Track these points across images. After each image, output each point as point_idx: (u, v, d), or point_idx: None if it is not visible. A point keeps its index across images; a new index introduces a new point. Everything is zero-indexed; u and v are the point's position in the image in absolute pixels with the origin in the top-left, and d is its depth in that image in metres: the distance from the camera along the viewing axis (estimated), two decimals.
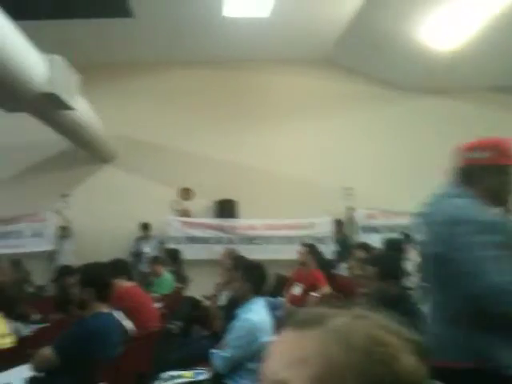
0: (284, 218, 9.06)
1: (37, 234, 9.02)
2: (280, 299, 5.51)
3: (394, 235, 7.02)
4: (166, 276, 6.74)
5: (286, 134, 9.59)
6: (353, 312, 0.70)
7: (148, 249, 8.73)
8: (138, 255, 8.68)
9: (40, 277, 7.98)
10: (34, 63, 4.96)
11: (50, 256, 8.75)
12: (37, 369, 2.98)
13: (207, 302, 5.74)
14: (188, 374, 3.16)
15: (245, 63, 9.51)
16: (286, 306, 5.23)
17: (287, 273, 6.57)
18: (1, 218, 8.84)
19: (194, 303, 6.31)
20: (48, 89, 5.24)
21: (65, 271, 5.78)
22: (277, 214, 9.02)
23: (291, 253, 7.32)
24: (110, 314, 3.18)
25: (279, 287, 6.26)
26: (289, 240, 8.88)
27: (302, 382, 0.63)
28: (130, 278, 4.94)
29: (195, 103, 9.48)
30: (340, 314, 0.69)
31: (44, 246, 8.89)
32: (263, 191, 9.21)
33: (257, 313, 3.05)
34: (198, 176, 9.27)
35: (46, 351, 2.94)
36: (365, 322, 0.68)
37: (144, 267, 7.93)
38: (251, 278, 3.24)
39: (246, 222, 9.14)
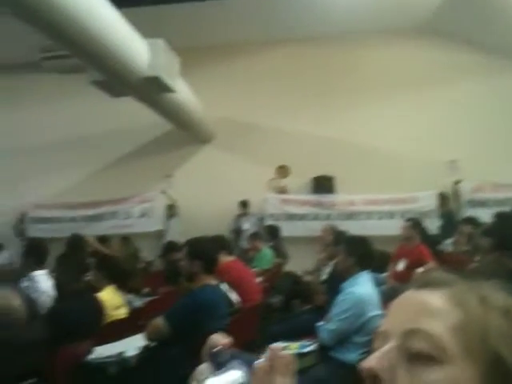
0: (384, 194, 8.82)
1: (145, 215, 9.42)
2: (383, 275, 5.39)
3: (506, 209, 6.59)
4: (266, 251, 6.83)
5: (384, 107, 9.27)
6: (473, 278, 0.67)
7: (247, 226, 8.90)
8: (237, 232, 8.88)
9: (148, 253, 8.42)
10: (137, 48, 5.17)
11: (157, 234, 9.19)
12: (150, 338, 3.15)
13: (307, 277, 5.76)
14: (294, 346, 3.19)
15: (341, 37, 9.28)
16: (389, 282, 5.12)
17: (388, 249, 6.42)
18: (110, 200, 9.37)
19: (294, 278, 6.36)
20: (151, 73, 5.44)
21: (171, 247, 6.06)
22: (376, 189, 8.79)
23: (392, 228, 7.15)
24: (217, 286, 3.27)
25: (381, 263, 6.12)
26: (390, 215, 8.64)
27: (440, 330, 0.61)
28: (230, 254, 5.08)
29: (291, 81, 9.43)
30: (462, 278, 0.67)
31: (152, 226, 9.27)
32: (361, 166, 9.01)
33: (363, 286, 3.01)
34: (295, 153, 9.25)
35: (158, 321, 3.09)
36: (492, 285, 0.65)
37: (244, 243, 8.10)
38: (355, 251, 3.19)
39: (344, 198, 8.99)
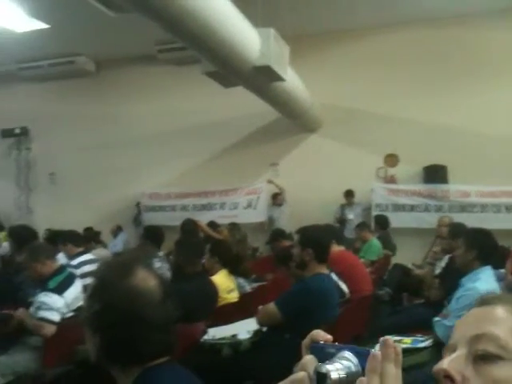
0: (502, 185, 8.25)
1: (250, 206, 9.58)
2: (501, 271, 5.07)
3: None
4: (374, 242, 6.69)
5: (503, 91, 8.63)
6: None
7: (352, 216, 8.77)
8: (342, 222, 8.78)
9: (253, 240, 8.57)
10: (249, 38, 5.24)
11: (262, 224, 9.35)
12: (261, 323, 3.21)
13: (418, 271, 5.57)
14: (407, 341, 3.09)
15: (457, 18, 8.76)
16: (508, 279, 4.80)
17: (505, 244, 6.01)
18: (220, 190, 9.69)
19: (404, 271, 6.18)
20: (262, 62, 5.49)
21: (279, 234, 6.14)
22: (492, 180, 8.24)
23: (510, 222, 6.69)
24: (329, 276, 3.26)
25: (500, 259, 5.76)
26: (508, 208, 8.09)
27: (502, 332, 0.72)
28: (340, 244, 5.04)
29: (400, 66, 9.08)
30: None
31: (256, 217, 9.42)
32: (476, 155, 8.46)
33: (486, 282, 2.84)
34: (404, 141, 8.92)
35: (270, 307, 3.13)
36: None
37: (349, 233, 7.99)
38: (476, 245, 3.02)
39: (458, 188, 8.52)
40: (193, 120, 9.88)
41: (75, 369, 3.33)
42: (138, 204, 10.14)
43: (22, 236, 4.28)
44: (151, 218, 9.51)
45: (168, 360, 1.29)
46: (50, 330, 3.29)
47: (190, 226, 5.77)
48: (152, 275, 1.30)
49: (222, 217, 9.10)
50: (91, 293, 1.28)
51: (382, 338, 0.61)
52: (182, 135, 9.95)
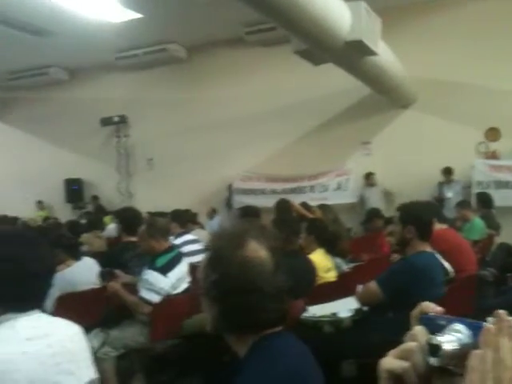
0: None
1: (340, 187, 9.48)
2: None
3: None
4: (477, 221, 6.37)
5: None
6: None
7: (450, 194, 8.40)
8: (440, 201, 8.42)
9: (347, 221, 8.46)
10: (340, 12, 5.11)
11: (353, 204, 9.20)
12: (362, 302, 3.16)
13: None
14: None
15: None
16: None
17: None
18: (309, 174, 9.62)
19: (508, 251, 5.86)
20: (353, 36, 5.34)
21: (373, 214, 6.02)
22: None
23: None
24: (433, 254, 3.14)
25: None
26: None
27: None
28: (440, 222, 4.83)
29: (498, 34, 8.46)
30: None
31: (346, 198, 9.30)
32: None
33: None
34: (506, 114, 8.35)
35: (371, 286, 3.08)
36: None
37: (448, 213, 7.64)
38: None
39: None
40: (282, 101, 9.87)
41: (182, 343, 3.48)
42: (229, 187, 10.34)
43: (128, 218, 4.52)
44: (242, 201, 9.67)
45: (282, 329, 1.31)
46: (147, 309, 3.43)
47: (284, 205, 5.80)
48: (263, 246, 1.32)
49: (312, 199, 9.05)
50: (207, 264, 1.32)
51: (495, 311, 0.58)
52: (271, 116, 9.98)
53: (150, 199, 10.22)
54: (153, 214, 6.26)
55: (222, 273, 1.26)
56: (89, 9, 8.04)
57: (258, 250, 1.31)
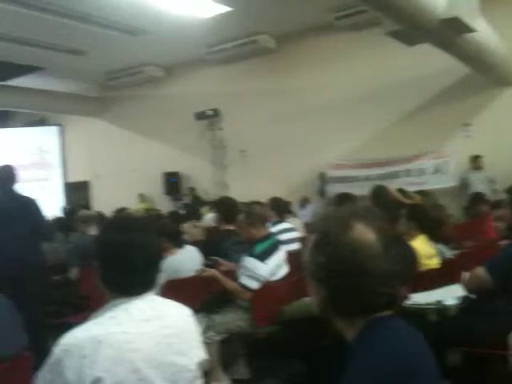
0: None
1: (439, 171, 9.12)
2: None
3: None
4: None
5: None
6: None
7: None
8: None
9: (447, 205, 8.09)
10: None
11: (454, 188, 8.79)
12: (469, 289, 3.02)
13: None
14: None
15: None
16: None
17: None
18: (404, 158, 9.31)
19: None
20: (450, 13, 5.12)
21: (478, 198, 5.71)
22: None
23: None
24: None
25: None
26: None
27: None
28: None
29: None
30: None
31: (446, 182, 8.92)
32: None
33: None
34: None
35: (479, 271, 2.93)
36: None
37: None
38: None
39: None
40: (374, 85, 9.64)
41: (282, 328, 3.52)
42: (321, 175, 10.26)
43: (226, 207, 4.66)
44: (335, 189, 9.54)
45: (392, 314, 1.29)
46: (246, 296, 3.54)
47: (381, 191, 5.66)
48: (370, 229, 1.30)
49: (409, 184, 8.74)
50: (314, 246, 1.32)
51: None
52: (363, 102, 9.78)
53: (243, 189, 10.39)
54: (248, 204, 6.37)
55: (330, 255, 1.25)
56: (180, 6, 8.28)
57: (365, 233, 1.29)
